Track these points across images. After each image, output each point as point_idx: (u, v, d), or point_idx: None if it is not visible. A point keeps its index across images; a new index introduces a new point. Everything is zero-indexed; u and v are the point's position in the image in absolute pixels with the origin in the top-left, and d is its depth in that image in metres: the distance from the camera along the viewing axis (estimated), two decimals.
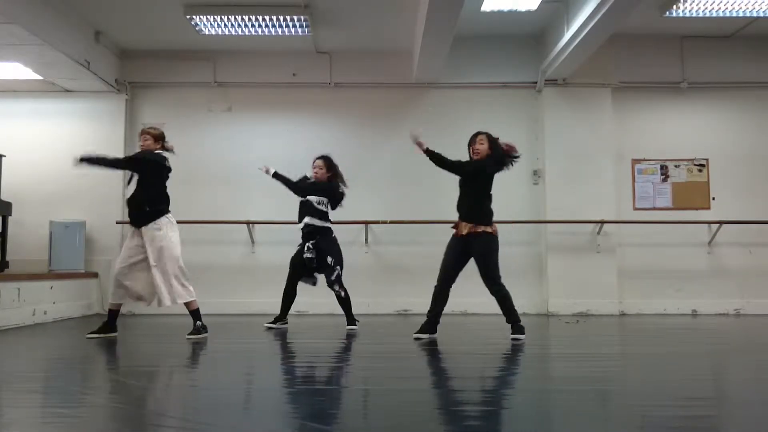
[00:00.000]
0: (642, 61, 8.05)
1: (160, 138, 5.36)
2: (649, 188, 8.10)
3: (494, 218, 5.25)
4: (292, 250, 6.28)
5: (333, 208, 6.19)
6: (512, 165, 5.22)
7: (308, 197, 6.09)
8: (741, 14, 7.09)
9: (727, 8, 6.89)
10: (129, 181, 5.24)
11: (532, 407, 2.95)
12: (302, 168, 7.96)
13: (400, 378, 3.64)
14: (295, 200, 7.77)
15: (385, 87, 8.20)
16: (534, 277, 7.93)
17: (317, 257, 6.01)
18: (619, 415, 2.81)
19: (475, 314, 7.15)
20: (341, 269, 6.03)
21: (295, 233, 7.41)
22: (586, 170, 7.85)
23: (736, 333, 6.13)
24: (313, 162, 6.23)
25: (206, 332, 5.29)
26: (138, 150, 5.39)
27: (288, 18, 6.95)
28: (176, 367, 4.20)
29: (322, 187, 6.14)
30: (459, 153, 8.15)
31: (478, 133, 5.26)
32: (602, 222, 7.72)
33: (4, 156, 7.36)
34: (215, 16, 6.91)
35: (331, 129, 8.13)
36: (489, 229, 5.12)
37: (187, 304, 5.28)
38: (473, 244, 5.11)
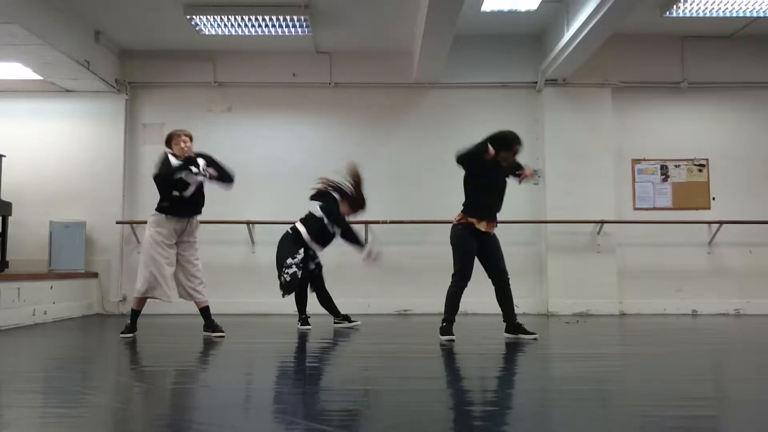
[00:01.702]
0: (642, 61, 8.04)
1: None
2: (649, 188, 8.10)
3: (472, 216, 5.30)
4: None
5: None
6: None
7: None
8: (741, 14, 7.08)
9: (727, 8, 6.89)
10: (189, 184, 5.26)
11: (532, 407, 2.94)
12: (302, 167, 7.98)
13: (400, 378, 3.64)
14: (294, 200, 7.82)
15: (385, 87, 8.19)
16: (534, 277, 7.93)
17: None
18: (619, 415, 2.81)
19: (475, 314, 7.15)
20: None
21: None
22: (586, 170, 7.84)
23: (736, 333, 6.13)
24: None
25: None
26: (170, 151, 5.31)
27: (288, 18, 6.94)
28: (176, 367, 4.20)
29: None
30: None
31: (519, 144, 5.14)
32: (602, 222, 7.71)
33: (4, 156, 7.36)
34: (215, 16, 6.90)
35: (331, 129, 8.13)
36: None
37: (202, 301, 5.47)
38: (491, 240, 5.16)
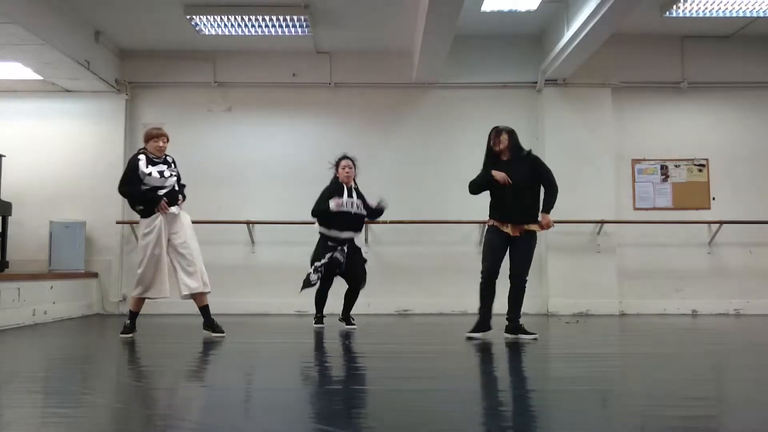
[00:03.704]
0: (642, 61, 8.05)
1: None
2: (649, 188, 8.10)
3: (494, 218, 5.29)
4: (292, 251, 6.24)
5: (371, 216, 6.15)
6: None
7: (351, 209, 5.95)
8: (741, 14, 7.09)
9: (727, 8, 6.89)
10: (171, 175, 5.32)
11: (532, 407, 2.94)
12: (302, 167, 7.97)
13: (400, 378, 3.64)
14: (294, 200, 7.75)
15: (385, 87, 8.19)
16: (534, 277, 7.83)
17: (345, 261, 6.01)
18: (619, 415, 2.81)
19: (475, 314, 7.14)
20: None
21: (294, 233, 7.40)
22: (586, 170, 7.84)
23: (736, 333, 6.13)
24: (341, 162, 6.04)
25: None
26: (144, 150, 5.34)
27: (288, 18, 6.95)
28: (176, 367, 4.20)
29: (359, 192, 6.06)
30: (457, 152, 8.15)
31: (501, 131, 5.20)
32: (602, 222, 7.71)
33: (4, 156, 7.36)
34: (215, 16, 6.91)
35: (331, 129, 8.13)
36: (536, 227, 5.23)
37: (201, 298, 5.39)
38: (521, 241, 5.18)
